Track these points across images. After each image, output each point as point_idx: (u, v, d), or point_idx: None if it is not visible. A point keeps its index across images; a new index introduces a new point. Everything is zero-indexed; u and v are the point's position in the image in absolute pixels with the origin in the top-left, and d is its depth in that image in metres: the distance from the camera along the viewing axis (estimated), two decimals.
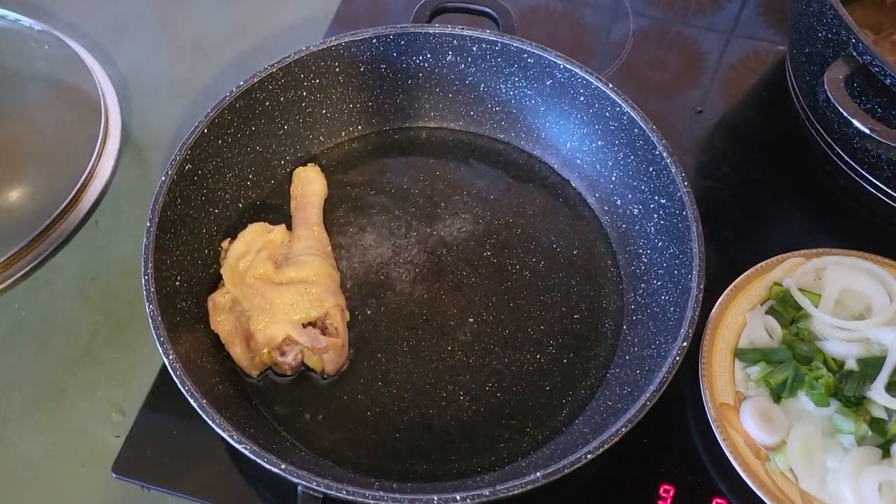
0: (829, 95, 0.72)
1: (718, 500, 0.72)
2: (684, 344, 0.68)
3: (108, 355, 0.82)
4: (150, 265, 0.71)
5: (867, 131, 0.71)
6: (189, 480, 0.73)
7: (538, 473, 0.61)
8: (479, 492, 0.60)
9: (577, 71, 0.84)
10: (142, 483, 0.73)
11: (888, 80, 0.72)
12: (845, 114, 0.71)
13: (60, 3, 1.12)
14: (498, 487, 0.61)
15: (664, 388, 0.65)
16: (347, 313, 0.80)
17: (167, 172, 0.76)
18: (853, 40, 0.73)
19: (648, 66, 1.06)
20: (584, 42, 1.09)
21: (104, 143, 0.90)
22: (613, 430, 0.63)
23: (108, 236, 0.90)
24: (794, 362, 0.74)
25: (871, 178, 0.86)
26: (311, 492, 0.62)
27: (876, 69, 0.72)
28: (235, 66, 1.07)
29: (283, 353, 0.76)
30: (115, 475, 0.73)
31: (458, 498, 0.60)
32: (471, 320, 0.81)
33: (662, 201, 0.80)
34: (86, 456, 0.77)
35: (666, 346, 0.70)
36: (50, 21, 1.05)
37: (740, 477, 0.70)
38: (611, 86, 0.83)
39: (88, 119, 0.91)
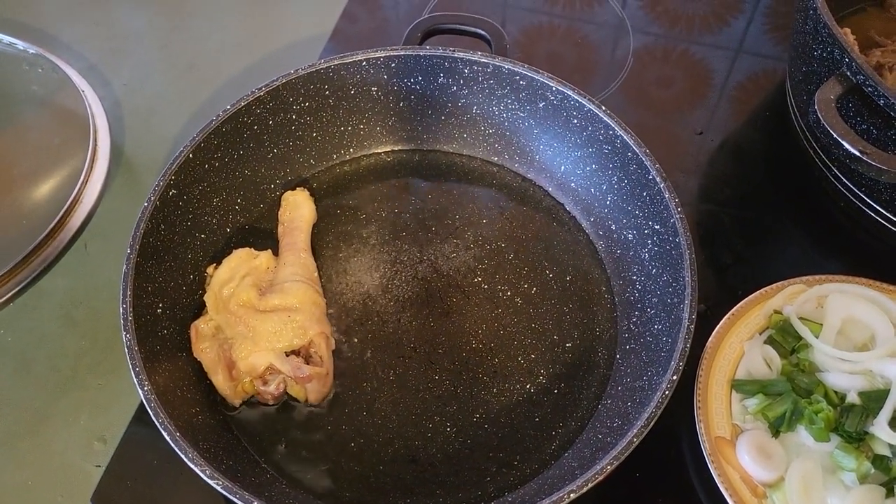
0: (819, 116, 0.69)
1: None
2: (674, 377, 0.65)
3: (92, 382, 0.81)
4: (129, 293, 0.70)
5: (857, 153, 0.68)
6: None
7: None
8: None
9: (570, 93, 0.83)
10: None
11: (881, 101, 0.69)
12: (835, 135, 0.69)
13: (58, 26, 1.12)
14: None
15: (652, 423, 0.63)
16: (333, 341, 0.79)
17: (150, 199, 0.75)
18: (847, 59, 0.71)
19: (649, 85, 1.04)
20: (584, 61, 1.08)
21: (92, 166, 0.90)
22: (598, 468, 0.60)
23: (96, 260, 0.89)
24: (793, 395, 0.71)
25: (869, 201, 0.83)
26: None
27: (869, 89, 0.70)
28: (231, 87, 1.07)
29: (265, 383, 0.74)
30: None
31: None
32: (459, 349, 0.79)
33: (656, 227, 0.78)
34: (65, 486, 0.75)
35: (657, 378, 0.68)
36: (47, 45, 1.05)
37: None
38: (604, 108, 0.81)
39: (77, 142, 0.90)
